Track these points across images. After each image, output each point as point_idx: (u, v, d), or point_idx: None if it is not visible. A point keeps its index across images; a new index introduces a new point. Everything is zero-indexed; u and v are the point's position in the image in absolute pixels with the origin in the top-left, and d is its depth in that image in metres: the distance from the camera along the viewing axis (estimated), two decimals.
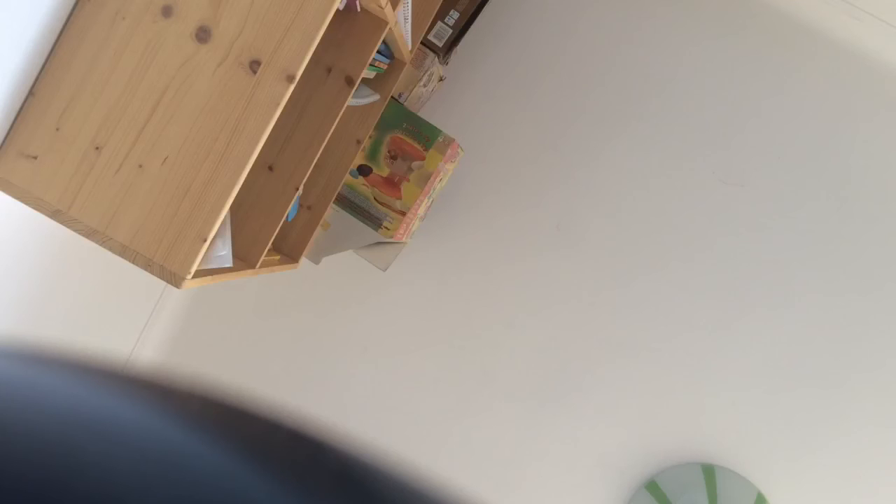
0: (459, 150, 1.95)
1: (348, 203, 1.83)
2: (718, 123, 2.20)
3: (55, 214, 1.10)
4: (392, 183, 1.81)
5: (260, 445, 0.20)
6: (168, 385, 0.22)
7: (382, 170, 1.82)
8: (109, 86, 1.09)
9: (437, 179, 1.87)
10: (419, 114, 2.10)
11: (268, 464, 0.19)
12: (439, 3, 1.81)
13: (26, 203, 1.10)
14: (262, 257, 1.51)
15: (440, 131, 1.81)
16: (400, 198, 1.81)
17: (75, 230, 1.10)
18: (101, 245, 1.09)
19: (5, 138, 1.10)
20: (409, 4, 1.57)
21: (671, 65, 2.21)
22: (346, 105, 1.52)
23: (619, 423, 2.24)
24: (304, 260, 2.24)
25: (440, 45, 1.97)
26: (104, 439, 0.17)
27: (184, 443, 0.18)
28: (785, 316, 2.19)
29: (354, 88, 1.51)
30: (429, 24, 1.83)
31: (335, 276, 2.32)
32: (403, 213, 1.81)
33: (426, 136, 1.81)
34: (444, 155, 1.80)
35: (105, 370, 0.21)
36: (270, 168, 1.52)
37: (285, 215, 1.52)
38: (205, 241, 1.09)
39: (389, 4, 1.35)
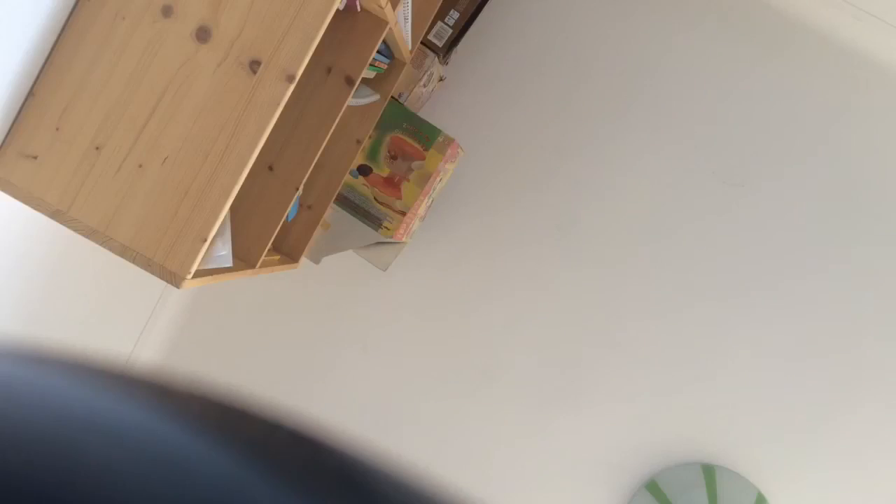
0: (459, 149, 1.95)
1: (348, 203, 1.83)
2: (719, 123, 2.20)
3: (55, 214, 1.10)
4: (392, 183, 1.81)
5: (260, 446, 0.20)
6: (168, 386, 0.22)
7: (382, 170, 1.82)
8: (109, 86, 1.09)
9: (437, 179, 1.87)
10: (419, 114, 2.10)
11: (268, 464, 0.19)
12: (439, 3, 1.81)
13: (26, 203, 1.10)
14: (262, 257, 1.51)
15: (440, 131, 1.81)
16: (400, 198, 1.81)
17: (75, 230, 1.10)
18: (101, 245, 1.09)
19: (5, 138, 1.10)
20: (409, 4, 1.57)
21: (672, 65, 2.21)
22: (346, 105, 1.52)
23: (619, 423, 2.24)
24: (304, 260, 2.24)
25: (440, 44, 1.97)
26: (104, 440, 0.17)
27: (184, 444, 0.18)
28: (785, 316, 2.19)
29: (354, 88, 1.51)
30: (429, 23, 1.83)
31: (335, 276, 2.32)
32: (403, 213, 1.81)
33: (426, 135, 1.81)
34: (444, 155, 1.80)
35: (106, 371, 0.21)
36: (270, 168, 1.52)
37: (285, 215, 1.52)
38: (205, 240, 1.09)
39: (389, 4, 1.35)
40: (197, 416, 0.20)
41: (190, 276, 1.10)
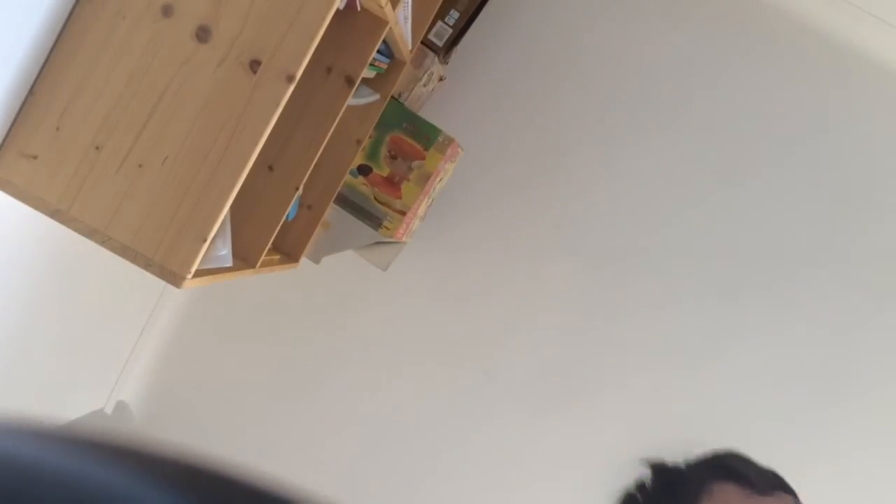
0: (459, 149, 1.95)
1: (348, 203, 1.83)
2: (719, 124, 2.20)
3: (55, 214, 1.10)
4: (392, 182, 1.81)
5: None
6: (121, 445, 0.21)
7: (382, 169, 1.82)
8: (109, 86, 1.09)
9: (438, 179, 1.87)
10: (419, 113, 2.10)
11: None
12: (439, 3, 1.81)
13: (26, 203, 1.10)
14: (262, 257, 1.51)
15: (440, 131, 1.81)
16: (400, 197, 1.81)
17: (75, 230, 1.10)
18: (101, 245, 1.09)
19: (5, 138, 1.10)
20: (409, 4, 1.57)
21: (672, 65, 2.20)
22: (346, 105, 1.52)
23: (619, 423, 2.24)
24: (304, 260, 2.24)
25: (440, 44, 1.97)
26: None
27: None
28: (787, 316, 2.19)
29: (354, 88, 1.51)
30: (429, 23, 1.83)
31: (335, 275, 2.32)
32: (403, 213, 1.81)
33: (426, 135, 1.81)
34: (445, 154, 1.80)
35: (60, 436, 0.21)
36: (270, 168, 1.52)
37: (285, 215, 1.52)
38: (205, 240, 1.09)
39: (389, 4, 1.35)
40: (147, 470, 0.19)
41: (190, 276, 1.10)
